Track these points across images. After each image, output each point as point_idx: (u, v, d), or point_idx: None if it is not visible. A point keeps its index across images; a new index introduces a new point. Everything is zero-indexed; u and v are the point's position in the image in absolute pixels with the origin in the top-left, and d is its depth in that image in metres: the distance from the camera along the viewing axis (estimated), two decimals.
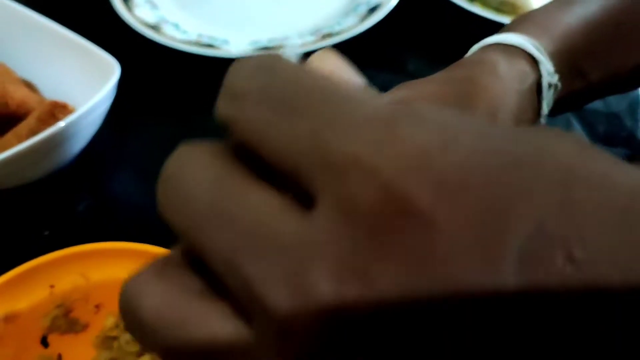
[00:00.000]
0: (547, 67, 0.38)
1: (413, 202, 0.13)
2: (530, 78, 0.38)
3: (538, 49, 0.38)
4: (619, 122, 0.65)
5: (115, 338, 0.41)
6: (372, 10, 0.70)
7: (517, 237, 0.13)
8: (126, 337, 0.41)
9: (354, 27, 0.68)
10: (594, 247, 0.13)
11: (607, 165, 0.14)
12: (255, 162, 0.16)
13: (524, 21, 0.42)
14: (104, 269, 0.41)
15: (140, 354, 0.41)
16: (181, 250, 0.16)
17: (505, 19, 0.70)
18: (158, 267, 0.16)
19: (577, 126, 0.65)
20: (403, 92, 0.37)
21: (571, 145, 0.14)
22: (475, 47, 0.41)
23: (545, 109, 0.38)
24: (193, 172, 0.16)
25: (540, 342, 0.13)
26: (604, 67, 0.43)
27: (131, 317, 0.15)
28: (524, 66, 0.38)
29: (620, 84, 0.46)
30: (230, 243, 0.14)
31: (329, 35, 0.67)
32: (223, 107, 0.16)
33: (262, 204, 0.15)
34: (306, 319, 0.13)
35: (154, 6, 0.71)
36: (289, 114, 0.15)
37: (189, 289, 0.15)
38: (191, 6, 0.73)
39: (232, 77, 0.17)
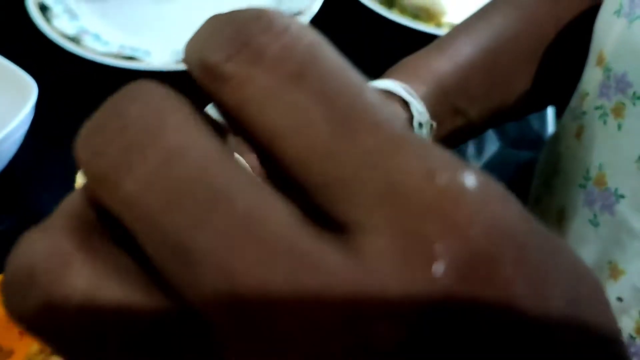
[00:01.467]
0: (417, 108, 0.41)
1: (499, 272, 0.12)
2: (399, 115, 0.40)
3: (408, 92, 0.41)
4: (528, 126, 0.69)
5: None
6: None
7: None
8: None
9: None
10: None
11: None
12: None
13: (396, 69, 0.45)
14: None
15: None
16: (91, 204, 0.13)
17: (421, 26, 0.73)
18: (76, 232, 0.13)
19: (490, 130, 0.69)
20: None
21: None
22: None
23: None
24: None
25: None
26: (482, 104, 0.46)
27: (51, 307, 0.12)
28: (394, 106, 0.41)
29: (507, 115, 0.50)
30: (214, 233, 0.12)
31: None
32: (216, 48, 0.13)
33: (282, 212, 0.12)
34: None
35: (73, 16, 0.70)
36: None
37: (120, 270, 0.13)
38: (112, 15, 0.72)
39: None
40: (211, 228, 0.11)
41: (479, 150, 0.67)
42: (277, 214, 0.12)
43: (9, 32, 0.70)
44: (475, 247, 0.12)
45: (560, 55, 0.49)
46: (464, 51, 0.46)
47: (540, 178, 0.54)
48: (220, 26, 0.14)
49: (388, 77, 0.44)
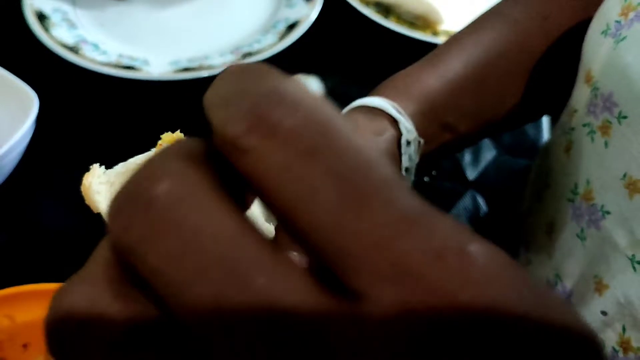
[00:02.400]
0: (406, 126, 0.42)
1: None
2: (388, 132, 0.41)
3: (397, 110, 0.42)
4: (523, 133, 0.70)
5: None
6: (291, 27, 0.72)
7: None
8: None
9: (273, 45, 0.70)
10: None
11: None
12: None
13: (387, 85, 0.45)
14: (29, 309, 0.42)
15: None
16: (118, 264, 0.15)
17: (417, 35, 0.74)
18: (112, 283, 0.15)
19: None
20: None
21: None
22: (347, 108, 0.44)
23: (406, 162, 0.42)
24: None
25: None
26: (472, 119, 0.47)
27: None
28: (383, 123, 0.42)
29: (499, 127, 0.50)
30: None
31: (249, 54, 0.68)
32: (235, 121, 0.14)
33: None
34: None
35: (72, 25, 0.70)
36: (353, 196, 0.13)
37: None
38: (110, 24, 0.73)
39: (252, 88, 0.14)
40: (226, 306, 0.13)
41: (475, 158, 0.67)
42: (290, 294, 0.13)
43: (7, 41, 0.71)
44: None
45: (551, 70, 0.49)
46: (455, 67, 0.46)
47: (532, 189, 0.55)
48: (238, 95, 0.14)
49: (379, 93, 0.44)
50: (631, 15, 0.38)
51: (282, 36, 0.71)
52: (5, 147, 0.47)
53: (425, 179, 0.65)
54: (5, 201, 0.56)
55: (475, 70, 0.46)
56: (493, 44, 0.48)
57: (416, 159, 0.43)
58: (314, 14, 0.73)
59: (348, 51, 0.77)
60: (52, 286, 0.42)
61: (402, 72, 0.47)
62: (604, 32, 0.41)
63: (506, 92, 0.48)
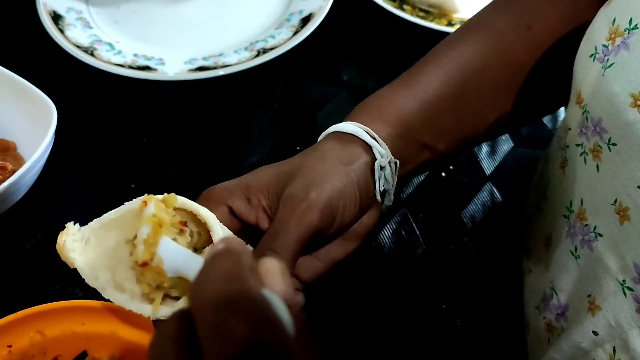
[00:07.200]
0: (380, 150, 0.42)
1: None
2: (361, 159, 0.41)
3: (370, 135, 0.42)
4: (541, 125, 0.70)
5: None
6: (305, 20, 0.72)
7: None
8: None
9: (288, 39, 0.69)
10: None
11: None
12: None
13: (362, 109, 0.45)
14: (58, 325, 0.43)
15: None
16: None
17: (432, 25, 0.73)
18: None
19: None
20: (249, 177, 0.40)
21: None
22: (323, 134, 0.44)
23: (380, 186, 0.42)
24: None
25: None
26: (450, 137, 0.46)
27: None
28: (355, 150, 0.41)
29: (481, 140, 0.49)
30: None
31: (264, 50, 0.68)
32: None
33: None
34: None
35: (86, 24, 0.70)
36: None
37: None
38: (124, 21, 0.73)
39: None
40: None
41: (492, 151, 0.67)
42: None
43: (21, 42, 0.71)
44: None
45: (535, 81, 0.48)
46: (431, 86, 0.45)
47: (534, 196, 0.54)
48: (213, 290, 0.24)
49: (353, 118, 0.44)
50: (618, 41, 0.37)
51: (297, 30, 0.71)
52: (27, 165, 0.47)
53: (443, 174, 0.65)
54: (28, 211, 0.57)
55: (452, 88, 0.45)
56: (473, 59, 0.46)
57: (393, 180, 0.43)
58: (327, 6, 0.73)
59: (363, 42, 0.76)
60: (79, 303, 0.43)
61: (377, 93, 0.46)
62: (592, 56, 0.39)
63: (487, 107, 0.47)
